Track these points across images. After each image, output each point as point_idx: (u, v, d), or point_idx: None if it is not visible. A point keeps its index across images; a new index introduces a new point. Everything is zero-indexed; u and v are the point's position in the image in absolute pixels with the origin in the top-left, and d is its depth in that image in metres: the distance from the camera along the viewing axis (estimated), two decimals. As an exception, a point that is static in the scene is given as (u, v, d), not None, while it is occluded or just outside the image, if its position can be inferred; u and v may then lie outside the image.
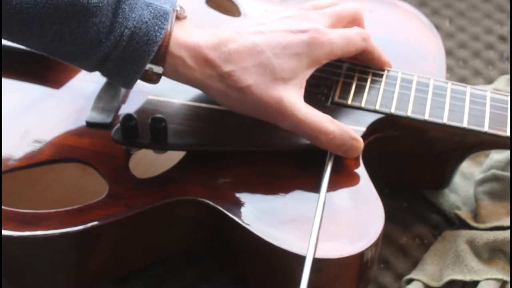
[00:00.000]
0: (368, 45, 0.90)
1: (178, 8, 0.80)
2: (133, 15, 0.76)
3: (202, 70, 0.80)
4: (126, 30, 0.76)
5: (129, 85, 0.80)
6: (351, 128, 0.84)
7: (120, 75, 0.79)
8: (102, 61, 0.77)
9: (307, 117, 0.82)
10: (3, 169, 0.84)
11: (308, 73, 0.84)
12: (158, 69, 0.79)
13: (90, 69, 0.79)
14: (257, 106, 0.81)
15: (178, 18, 0.80)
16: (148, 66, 0.79)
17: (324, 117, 0.83)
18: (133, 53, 0.77)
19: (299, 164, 0.84)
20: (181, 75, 0.81)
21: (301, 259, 0.76)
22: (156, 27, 0.77)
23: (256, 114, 0.83)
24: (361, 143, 0.84)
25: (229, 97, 0.82)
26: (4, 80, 0.93)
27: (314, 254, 0.76)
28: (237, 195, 0.82)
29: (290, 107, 0.82)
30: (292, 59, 0.83)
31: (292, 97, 0.82)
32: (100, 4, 0.75)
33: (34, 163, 0.85)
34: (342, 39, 0.86)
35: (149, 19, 0.77)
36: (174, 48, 0.79)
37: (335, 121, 0.83)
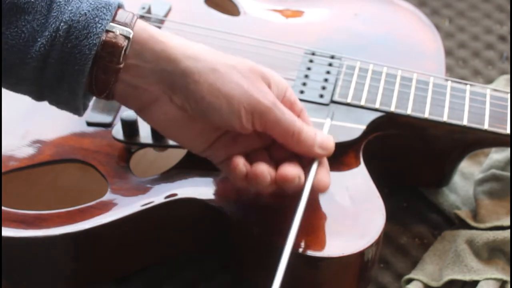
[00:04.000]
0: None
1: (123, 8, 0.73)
2: (69, 8, 0.69)
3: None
4: (62, 24, 0.69)
5: (76, 96, 0.71)
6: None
7: (64, 82, 0.70)
8: (41, 69, 0.69)
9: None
10: (3, 169, 0.84)
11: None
12: (126, 30, 0.71)
13: (32, 85, 0.71)
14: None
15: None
16: (112, 25, 0.70)
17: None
18: (73, 51, 0.69)
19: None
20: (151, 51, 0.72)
21: (301, 258, 0.76)
22: (97, 19, 0.70)
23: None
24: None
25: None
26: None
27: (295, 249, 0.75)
28: (237, 195, 0.82)
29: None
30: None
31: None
32: (33, 0, 0.69)
33: (34, 163, 0.85)
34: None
35: (88, 11, 0.69)
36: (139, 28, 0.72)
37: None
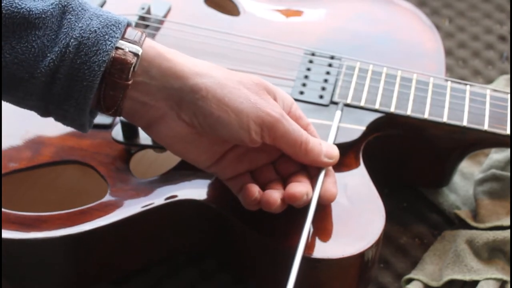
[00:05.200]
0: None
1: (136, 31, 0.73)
2: (80, 25, 0.70)
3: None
4: (72, 41, 0.69)
5: (83, 112, 0.71)
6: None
7: (71, 98, 0.70)
8: (50, 84, 0.70)
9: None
10: (3, 171, 0.83)
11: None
12: (135, 48, 0.71)
13: (40, 100, 0.71)
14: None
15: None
16: (121, 43, 0.71)
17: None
18: (82, 67, 0.69)
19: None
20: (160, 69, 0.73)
21: (302, 260, 0.76)
22: (107, 36, 0.70)
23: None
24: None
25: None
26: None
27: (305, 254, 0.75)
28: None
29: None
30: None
31: None
32: (43, 15, 0.69)
33: (34, 165, 0.85)
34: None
35: (99, 28, 0.70)
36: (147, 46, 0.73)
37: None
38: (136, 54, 0.71)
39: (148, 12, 0.97)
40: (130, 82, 0.71)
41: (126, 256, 0.87)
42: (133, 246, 0.85)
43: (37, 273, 0.84)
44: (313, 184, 0.78)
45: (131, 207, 0.81)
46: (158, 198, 0.81)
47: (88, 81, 0.70)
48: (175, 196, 0.81)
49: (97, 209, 0.80)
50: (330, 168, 0.80)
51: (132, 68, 0.71)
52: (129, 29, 0.73)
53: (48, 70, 0.69)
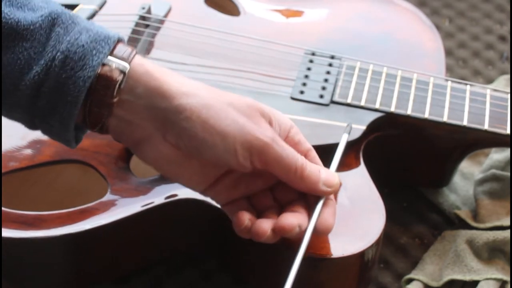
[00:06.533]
0: None
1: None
2: (68, 38, 0.68)
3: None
4: (58, 54, 0.67)
5: (68, 127, 0.69)
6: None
7: (56, 113, 0.68)
8: (34, 97, 0.68)
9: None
10: (3, 170, 0.83)
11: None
12: (122, 65, 0.69)
13: (25, 113, 0.70)
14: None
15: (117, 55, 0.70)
16: (109, 59, 0.69)
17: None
18: (67, 82, 0.67)
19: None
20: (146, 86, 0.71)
21: (303, 260, 0.75)
22: (94, 51, 0.68)
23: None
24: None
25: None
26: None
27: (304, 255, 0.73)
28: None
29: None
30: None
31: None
32: (32, 27, 0.67)
33: (34, 164, 0.85)
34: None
35: (87, 43, 0.68)
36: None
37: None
38: (122, 72, 0.69)
39: (149, 12, 0.98)
40: (115, 100, 0.69)
41: (126, 255, 0.87)
42: (133, 245, 0.85)
43: (37, 273, 0.84)
44: (310, 214, 0.74)
45: (131, 207, 0.81)
46: (158, 197, 0.81)
47: (73, 96, 0.67)
48: (175, 195, 0.81)
49: (97, 208, 0.80)
50: (331, 196, 0.75)
51: (117, 86, 0.69)
52: (120, 45, 0.70)
53: (33, 83, 0.67)
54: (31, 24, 0.67)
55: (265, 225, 0.72)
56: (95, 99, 0.69)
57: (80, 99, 0.68)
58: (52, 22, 0.68)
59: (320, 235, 0.75)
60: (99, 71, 0.68)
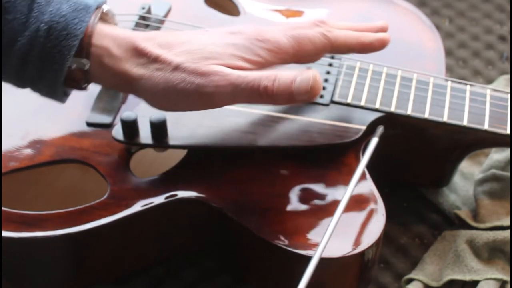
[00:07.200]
0: (334, 40, 0.80)
1: (105, 9, 0.75)
2: (50, 9, 0.71)
3: (129, 59, 0.74)
4: (42, 25, 0.71)
5: (55, 91, 0.75)
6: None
7: (44, 79, 0.73)
8: (23, 65, 0.72)
9: (246, 74, 0.73)
10: (3, 170, 0.84)
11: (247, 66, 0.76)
12: (82, 63, 0.74)
13: (15, 78, 0.74)
14: (190, 86, 0.73)
15: (104, 19, 0.76)
16: (73, 60, 0.73)
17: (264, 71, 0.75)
18: (52, 50, 0.72)
19: (300, 165, 0.84)
20: (106, 68, 0.75)
21: (303, 259, 0.76)
22: (76, 20, 0.72)
23: (189, 100, 0.75)
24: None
25: (158, 85, 0.74)
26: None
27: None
28: (238, 195, 0.82)
29: (227, 72, 0.73)
30: (228, 47, 0.75)
31: (227, 69, 0.74)
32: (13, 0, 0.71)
33: (34, 164, 0.85)
34: (289, 41, 0.77)
35: (68, 12, 0.72)
36: (98, 38, 0.74)
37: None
38: (83, 71, 0.75)
39: (149, 11, 0.97)
40: (87, 86, 0.77)
41: (126, 255, 0.87)
42: (133, 245, 0.85)
43: (37, 273, 0.84)
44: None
45: (131, 207, 0.81)
46: (158, 197, 0.81)
47: (59, 63, 0.72)
48: (175, 195, 0.81)
49: (97, 208, 0.81)
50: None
51: (84, 79, 0.75)
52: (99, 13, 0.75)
53: (20, 54, 0.71)
54: None
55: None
56: (71, 79, 0.75)
57: (66, 66, 0.72)
58: None
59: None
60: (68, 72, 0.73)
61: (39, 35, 0.71)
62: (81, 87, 0.76)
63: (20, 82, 0.75)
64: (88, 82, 0.77)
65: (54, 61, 0.72)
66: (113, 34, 0.74)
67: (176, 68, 0.73)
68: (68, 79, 0.75)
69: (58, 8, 0.71)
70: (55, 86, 0.74)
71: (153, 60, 0.74)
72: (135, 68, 0.74)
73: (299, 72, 0.73)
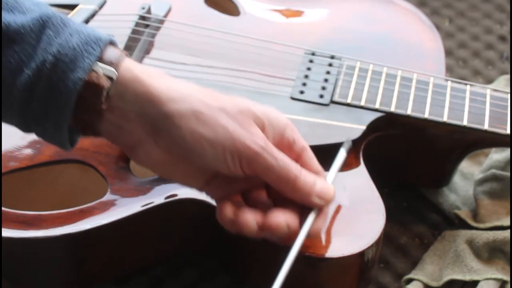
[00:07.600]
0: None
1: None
2: (59, 40, 0.67)
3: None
4: (49, 56, 0.66)
5: (61, 128, 0.69)
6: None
7: (49, 116, 0.68)
8: (27, 101, 0.67)
9: None
10: (3, 170, 0.83)
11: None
12: (109, 71, 0.68)
13: (17, 117, 0.69)
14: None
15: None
16: (98, 65, 0.68)
17: None
18: (58, 84, 0.66)
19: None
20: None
21: (302, 259, 0.76)
22: (86, 53, 0.67)
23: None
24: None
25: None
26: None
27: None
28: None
29: None
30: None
31: None
32: (22, 30, 0.66)
33: (34, 164, 0.85)
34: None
35: (78, 45, 0.67)
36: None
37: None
38: (110, 78, 0.68)
39: (149, 12, 0.98)
40: (104, 107, 0.68)
41: (126, 255, 0.87)
42: (133, 245, 0.85)
43: (37, 273, 0.84)
44: (303, 215, 0.73)
45: (131, 207, 0.81)
46: (158, 197, 0.81)
47: (65, 98, 0.67)
48: (175, 195, 0.81)
49: (97, 208, 0.81)
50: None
51: (105, 93, 0.68)
52: (110, 48, 0.69)
53: (26, 87, 0.66)
54: (22, 27, 0.66)
55: (249, 217, 0.71)
56: (84, 106, 0.68)
57: (72, 101, 0.67)
58: (42, 25, 0.67)
59: (307, 237, 0.74)
60: (86, 78, 0.67)
61: (46, 67, 0.66)
62: (87, 132, 0.70)
63: (25, 120, 0.69)
64: (95, 129, 0.70)
65: (60, 96, 0.66)
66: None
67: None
68: (75, 121, 0.69)
69: (68, 41, 0.67)
70: (61, 125, 0.68)
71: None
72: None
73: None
